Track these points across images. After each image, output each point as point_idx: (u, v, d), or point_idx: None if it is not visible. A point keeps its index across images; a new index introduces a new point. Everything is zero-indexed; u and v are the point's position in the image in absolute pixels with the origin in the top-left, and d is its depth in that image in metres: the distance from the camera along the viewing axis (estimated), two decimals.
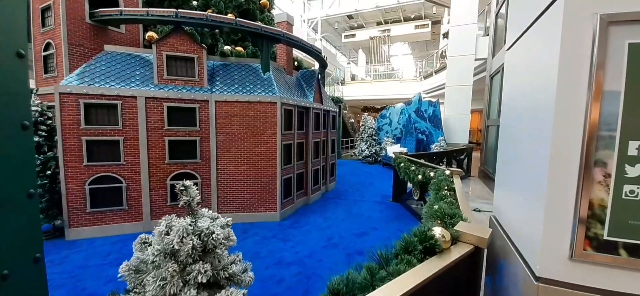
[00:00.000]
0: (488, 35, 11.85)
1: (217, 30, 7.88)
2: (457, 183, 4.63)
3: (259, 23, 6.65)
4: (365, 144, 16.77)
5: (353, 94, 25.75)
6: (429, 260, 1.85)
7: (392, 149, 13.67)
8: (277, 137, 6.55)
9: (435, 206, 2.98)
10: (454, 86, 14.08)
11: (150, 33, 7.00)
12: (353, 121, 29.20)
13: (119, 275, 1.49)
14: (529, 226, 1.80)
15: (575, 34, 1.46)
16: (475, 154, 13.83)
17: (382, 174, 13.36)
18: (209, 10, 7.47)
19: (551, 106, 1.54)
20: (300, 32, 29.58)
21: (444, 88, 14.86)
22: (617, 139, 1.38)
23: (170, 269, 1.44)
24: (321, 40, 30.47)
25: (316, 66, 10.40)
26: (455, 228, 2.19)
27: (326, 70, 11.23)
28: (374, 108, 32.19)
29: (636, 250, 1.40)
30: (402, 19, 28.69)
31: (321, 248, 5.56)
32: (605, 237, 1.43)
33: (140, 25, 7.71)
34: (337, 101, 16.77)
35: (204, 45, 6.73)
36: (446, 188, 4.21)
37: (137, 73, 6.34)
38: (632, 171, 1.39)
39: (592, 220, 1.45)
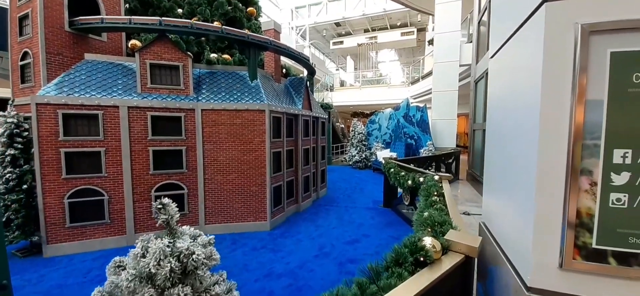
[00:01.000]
0: (471, 42, 12.18)
1: (203, 38, 7.77)
2: (446, 188, 4.67)
3: (246, 31, 6.60)
4: (356, 149, 16.82)
5: (342, 100, 25.93)
6: (420, 273, 1.81)
7: (382, 154, 13.74)
8: (266, 145, 6.46)
9: (425, 213, 2.97)
10: (440, 92, 14.36)
11: (133, 41, 6.83)
12: (343, 126, 29.31)
13: None
14: (518, 235, 1.79)
15: (557, 43, 1.47)
16: (463, 158, 14.07)
17: (372, 179, 13.39)
18: (195, 18, 7.36)
19: (536, 116, 1.55)
20: (289, 39, 29.69)
21: (431, 93, 15.13)
22: (602, 147, 1.38)
23: (146, 294, 1.34)
24: (310, 47, 30.66)
25: (306, 73, 10.40)
26: (445, 237, 2.17)
27: (315, 76, 11.26)
28: (363, 113, 32.46)
29: (625, 258, 1.40)
30: (389, 27, 29.24)
31: (312, 258, 5.46)
32: (594, 246, 1.43)
33: (123, 33, 7.51)
34: (327, 107, 16.79)
35: (189, 53, 6.60)
36: (435, 193, 4.22)
37: (120, 82, 6.15)
38: (618, 179, 1.39)
39: (580, 229, 1.44)
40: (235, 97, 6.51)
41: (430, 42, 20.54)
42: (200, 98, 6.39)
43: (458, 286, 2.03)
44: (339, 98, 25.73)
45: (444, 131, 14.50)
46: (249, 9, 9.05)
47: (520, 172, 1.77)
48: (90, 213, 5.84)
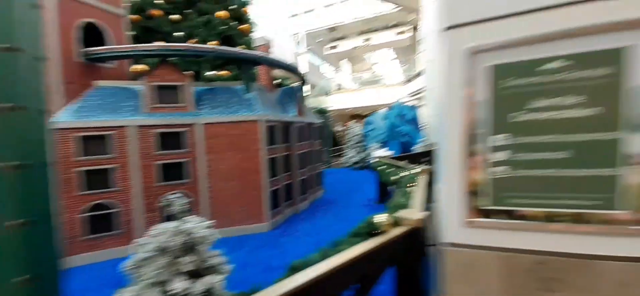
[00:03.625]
0: None
1: (201, 58, 8.39)
2: (421, 179, 5.17)
3: (239, 49, 7.20)
4: (353, 150, 17.32)
5: (340, 104, 26.38)
6: (371, 239, 2.33)
7: (378, 154, 14.22)
8: (262, 152, 7.02)
9: (395, 200, 3.50)
10: (433, 89, 14.80)
11: (137, 66, 7.48)
12: (342, 129, 29.74)
13: (124, 269, 1.92)
14: (443, 205, 2.31)
15: (456, 58, 2.00)
16: None
17: (370, 179, 13.83)
18: (193, 40, 7.98)
19: (444, 112, 2.07)
20: (285, 47, 30.29)
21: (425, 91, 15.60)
22: (486, 134, 1.90)
23: (162, 261, 1.89)
24: (306, 53, 31.24)
25: (299, 82, 10.95)
26: (396, 214, 2.68)
27: (313, 81, 11.80)
28: (361, 115, 32.87)
29: (508, 213, 1.90)
30: (383, 27, 29.69)
31: (310, 252, 5.95)
32: (486, 206, 1.94)
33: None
34: (323, 111, 17.35)
35: (189, 72, 7.23)
36: (410, 184, 4.74)
37: (128, 104, 6.77)
38: (498, 157, 1.90)
39: (475, 195, 1.95)
40: (232, 110, 7.11)
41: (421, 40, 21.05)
42: (200, 113, 6.99)
43: (406, 248, 2.55)
44: (336, 102, 26.19)
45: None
46: (243, 26, 9.68)
47: (442, 153, 2.30)
48: (103, 226, 6.40)
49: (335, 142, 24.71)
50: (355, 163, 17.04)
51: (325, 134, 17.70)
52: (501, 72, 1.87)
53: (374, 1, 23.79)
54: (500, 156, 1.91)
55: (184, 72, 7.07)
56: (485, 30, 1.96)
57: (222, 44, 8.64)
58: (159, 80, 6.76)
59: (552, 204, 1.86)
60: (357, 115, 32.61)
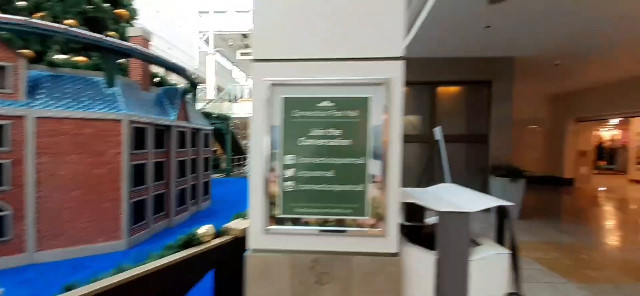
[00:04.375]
0: None
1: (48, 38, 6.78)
2: None
3: (102, 35, 6.19)
4: None
5: (249, 111, 25.75)
6: (185, 250, 2.38)
7: None
8: (122, 157, 6.13)
9: (242, 211, 3.66)
10: None
11: None
12: (246, 142, 29.15)
13: None
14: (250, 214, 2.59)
15: (261, 88, 2.33)
16: None
17: None
18: (39, 14, 6.41)
19: (253, 132, 2.36)
20: (191, 44, 27.98)
21: None
22: (279, 154, 2.27)
23: None
24: (214, 54, 29.58)
25: (187, 83, 10.20)
26: (225, 225, 2.84)
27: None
28: None
29: (293, 221, 2.31)
30: None
31: None
32: (279, 215, 2.30)
33: None
34: (224, 118, 16.59)
35: (26, 51, 5.74)
36: None
37: None
38: (288, 173, 2.30)
39: (272, 206, 2.29)
40: (84, 104, 5.97)
41: None
42: (34, 104, 5.59)
43: (229, 256, 2.70)
44: (245, 109, 25.43)
45: None
46: (118, 10, 8.36)
47: (251, 170, 2.59)
48: None
49: (239, 151, 23.91)
50: None
51: (226, 141, 16.93)
52: (291, 104, 2.29)
53: None
54: (289, 172, 2.31)
55: (18, 51, 5.57)
56: (281, 69, 2.37)
57: (85, 26, 7.24)
58: None
59: (324, 213, 2.35)
60: None
